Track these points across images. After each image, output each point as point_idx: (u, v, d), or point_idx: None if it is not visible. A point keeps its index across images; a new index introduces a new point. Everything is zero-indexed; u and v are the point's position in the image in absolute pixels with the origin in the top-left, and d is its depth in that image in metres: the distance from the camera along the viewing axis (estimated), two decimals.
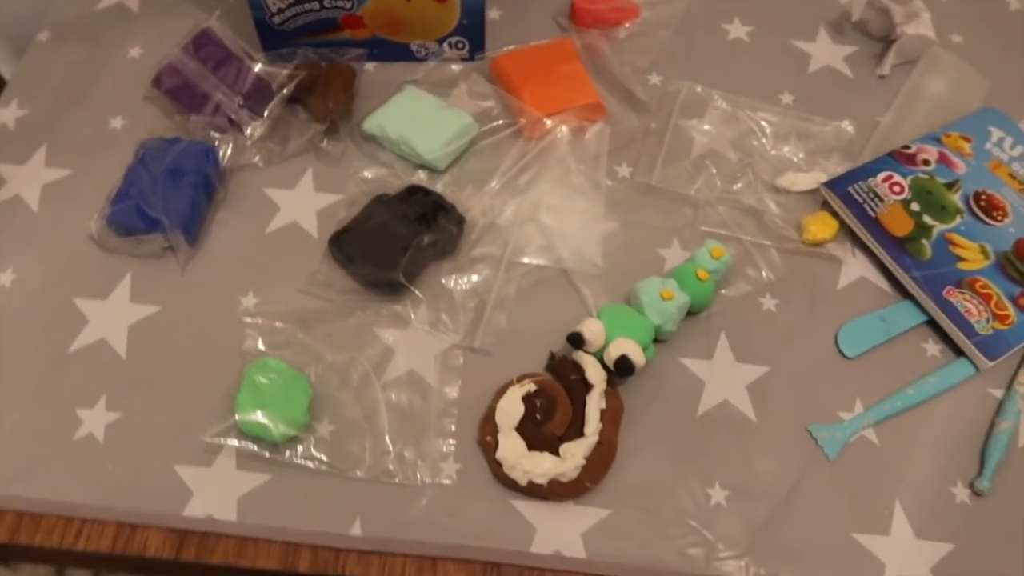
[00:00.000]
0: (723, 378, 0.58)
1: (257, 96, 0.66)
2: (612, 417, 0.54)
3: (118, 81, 0.71)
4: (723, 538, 0.52)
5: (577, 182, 0.64)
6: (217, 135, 0.65)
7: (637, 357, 0.53)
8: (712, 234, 0.63)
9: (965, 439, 0.56)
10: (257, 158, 0.66)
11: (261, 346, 0.56)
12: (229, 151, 0.65)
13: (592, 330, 0.54)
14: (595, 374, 0.55)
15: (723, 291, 0.61)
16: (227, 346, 0.57)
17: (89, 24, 0.75)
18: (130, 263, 0.61)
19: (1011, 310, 0.59)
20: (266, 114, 0.66)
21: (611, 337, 0.54)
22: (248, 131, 0.66)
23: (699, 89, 0.70)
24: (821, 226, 0.63)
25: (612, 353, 0.53)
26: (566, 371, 0.56)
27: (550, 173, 0.64)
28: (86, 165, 0.66)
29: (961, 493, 0.54)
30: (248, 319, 0.58)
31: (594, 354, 0.55)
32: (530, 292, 0.60)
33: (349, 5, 0.67)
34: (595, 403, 0.54)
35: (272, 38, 0.70)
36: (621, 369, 0.53)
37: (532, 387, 0.54)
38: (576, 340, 0.54)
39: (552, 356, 0.57)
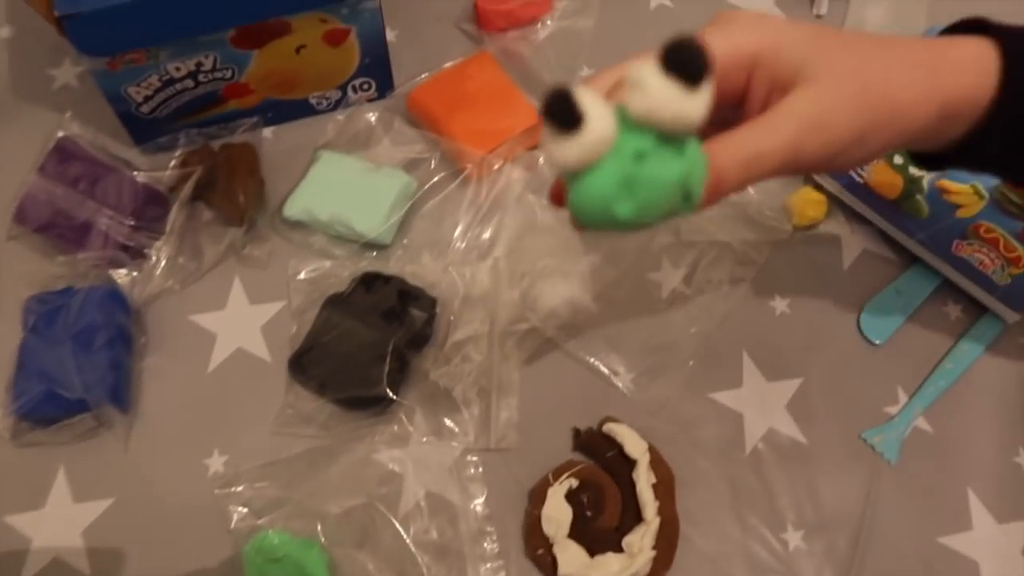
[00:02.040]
0: (760, 404, 0.53)
1: (150, 209, 0.55)
2: (666, 489, 0.49)
3: None
4: None
5: (544, 221, 0.57)
6: (115, 270, 0.54)
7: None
8: (700, 243, 0.57)
9: (1015, 401, 0.54)
10: (171, 282, 0.55)
11: (251, 519, 0.48)
12: (136, 286, 0.54)
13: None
14: (635, 446, 0.49)
15: (732, 306, 0.56)
16: (209, 527, 0.48)
17: None
18: (58, 453, 0.51)
19: (1020, 249, 0.56)
20: (168, 228, 0.55)
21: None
22: (153, 255, 0.55)
23: None
24: (810, 205, 0.58)
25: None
26: (600, 448, 0.50)
27: (513, 219, 0.57)
28: None
29: None
30: (222, 489, 0.49)
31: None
32: (530, 364, 0.53)
33: (229, 74, 0.56)
34: (645, 480, 0.48)
35: (144, 130, 0.58)
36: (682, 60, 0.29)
37: (574, 482, 0.48)
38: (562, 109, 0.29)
39: (578, 433, 0.51)
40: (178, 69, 0.54)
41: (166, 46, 0.53)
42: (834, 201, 0.59)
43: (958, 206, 0.58)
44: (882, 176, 0.59)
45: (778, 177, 0.36)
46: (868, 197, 0.58)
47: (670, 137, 0.31)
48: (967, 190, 0.59)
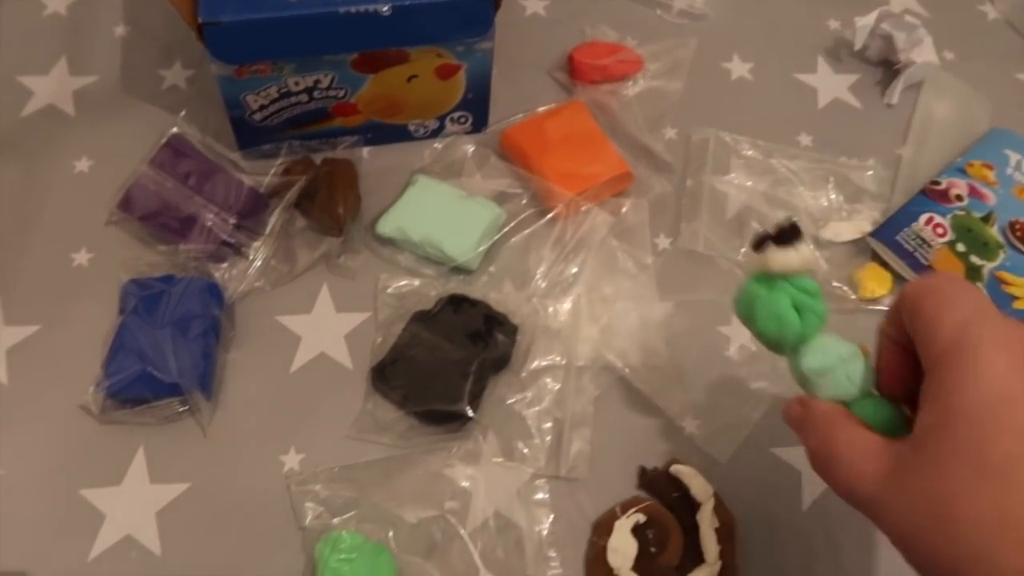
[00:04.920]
0: None
1: (252, 210, 0.57)
2: (728, 534, 0.50)
3: (70, 203, 0.60)
4: None
5: (624, 265, 0.59)
6: (214, 264, 0.56)
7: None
8: None
9: None
10: (262, 282, 0.57)
11: (326, 517, 0.49)
12: (230, 282, 0.56)
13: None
14: (701, 489, 0.50)
15: None
16: (281, 521, 0.50)
17: (17, 134, 0.63)
18: (140, 433, 0.52)
19: None
20: (268, 231, 0.57)
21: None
22: (250, 255, 0.57)
23: (727, 137, 0.66)
24: (876, 281, 0.61)
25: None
26: (666, 489, 0.51)
27: (595, 260, 0.59)
28: (56, 316, 0.56)
29: None
30: (298, 486, 0.50)
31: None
32: (602, 400, 0.55)
33: (342, 93, 0.59)
34: (708, 523, 0.49)
35: (250, 136, 0.61)
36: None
37: (641, 517, 0.50)
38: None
39: (644, 471, 0.53)
40: (297, 84, 0.57)
41: (292, 61, 0.56)
42: (898, 279, 0.62)
43: (1015, 297, 0.61)
44: (946, 261, 0.61)
45: None
46: None
47: None
48: None
